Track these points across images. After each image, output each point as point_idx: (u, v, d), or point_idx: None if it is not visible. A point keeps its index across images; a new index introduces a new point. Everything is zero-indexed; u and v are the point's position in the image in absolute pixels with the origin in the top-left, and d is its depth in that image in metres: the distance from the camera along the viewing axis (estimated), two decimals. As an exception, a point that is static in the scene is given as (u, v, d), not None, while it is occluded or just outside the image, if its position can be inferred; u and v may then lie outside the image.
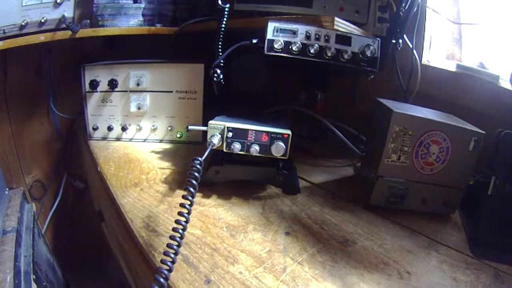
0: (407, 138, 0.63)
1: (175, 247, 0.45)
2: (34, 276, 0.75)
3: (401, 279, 0.50)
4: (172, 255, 0.44)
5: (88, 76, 0.92)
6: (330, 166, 0.93)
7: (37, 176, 1.27)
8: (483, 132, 0.63)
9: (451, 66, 0.97)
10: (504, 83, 0.83)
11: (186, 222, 0.48)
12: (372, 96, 0.79)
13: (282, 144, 0.64)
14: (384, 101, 0.73)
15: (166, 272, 0.42)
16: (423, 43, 0.99)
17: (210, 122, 0.66)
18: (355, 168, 0.91)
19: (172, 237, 0.46)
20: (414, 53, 0.93)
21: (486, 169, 0.64)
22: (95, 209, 1.04)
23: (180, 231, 0.46)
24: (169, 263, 0.43)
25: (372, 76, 0.72)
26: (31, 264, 0.78)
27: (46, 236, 1.27)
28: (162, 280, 0.41)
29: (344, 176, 0.87)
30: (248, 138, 0.65)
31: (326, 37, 0.66)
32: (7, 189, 1.01)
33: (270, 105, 0.96)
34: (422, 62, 0.99)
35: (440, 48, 1.04)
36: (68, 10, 0.96)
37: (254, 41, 0.69)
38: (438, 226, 0.65)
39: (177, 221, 0.47)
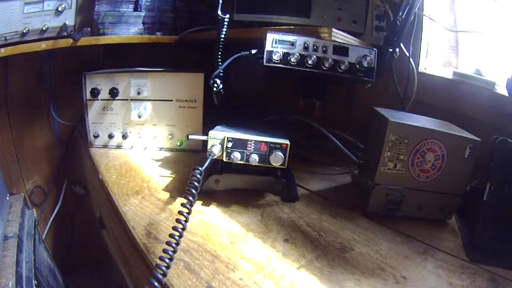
0: (403, 146, 0.64)
1: (170, 252, 0.46)
2: (35, 282, 0.76)
3: (397, 283, 0.50)
4: (167, 260, 0.45)
5: (89, 84, 0.93)
6: (328, 173, 0.93)
7: (38, 182, 1.27)
8: (478, 139, 0.64)
9: (447, 74, 0.97)
10: (501, 90, 0.83)
11: (183, 229, 0.49)
12: (370, 104, 0.80)
13: (280, 154, 0.64)
14: (381, 110, 0.73)
15: (160, 276, 0.43)
16: (419, 51, 0.99)
17: (211, 132, 0.66)
18: (352, 176, 0.92)
19: (168, 243, 0.47)
20: (411, 61, 0.93)
21: (482, 175, 0.64)
22: (95, 215, 1.04)
23: (177, 237, 0.48)
24: (163, 268, 0.44)
25: (369, 85, 0.73)
26: (33, 270, 0.78)
27: (46, 241, 1.27)
28: (156, 283, 0.42)
29: (342, 183, 0.87)
30: (248, 148, 0.65)
31: (324, 48, 0.67)
32: (8, 195, 1.01)
33: (269, 112, 0.97)
34: (419, 70, 0.99)
35: (437, 55, 1.04)
36: (69, 18, 0.97)
37: (253, 51, 0.70)
38: (435, 232, 0.66)
39: (174, 228, 0.49)
